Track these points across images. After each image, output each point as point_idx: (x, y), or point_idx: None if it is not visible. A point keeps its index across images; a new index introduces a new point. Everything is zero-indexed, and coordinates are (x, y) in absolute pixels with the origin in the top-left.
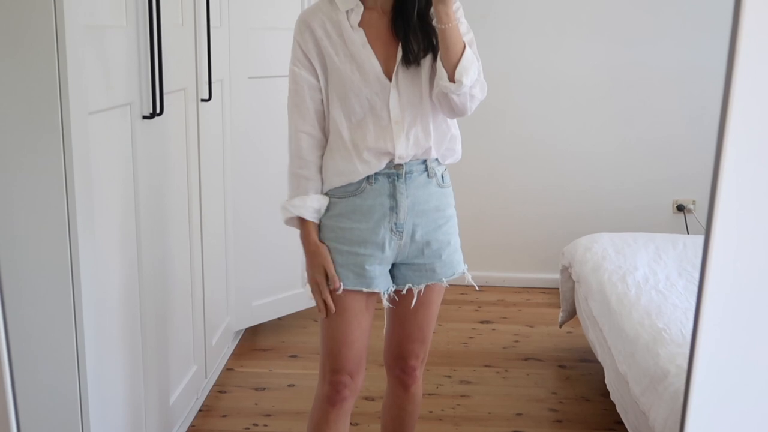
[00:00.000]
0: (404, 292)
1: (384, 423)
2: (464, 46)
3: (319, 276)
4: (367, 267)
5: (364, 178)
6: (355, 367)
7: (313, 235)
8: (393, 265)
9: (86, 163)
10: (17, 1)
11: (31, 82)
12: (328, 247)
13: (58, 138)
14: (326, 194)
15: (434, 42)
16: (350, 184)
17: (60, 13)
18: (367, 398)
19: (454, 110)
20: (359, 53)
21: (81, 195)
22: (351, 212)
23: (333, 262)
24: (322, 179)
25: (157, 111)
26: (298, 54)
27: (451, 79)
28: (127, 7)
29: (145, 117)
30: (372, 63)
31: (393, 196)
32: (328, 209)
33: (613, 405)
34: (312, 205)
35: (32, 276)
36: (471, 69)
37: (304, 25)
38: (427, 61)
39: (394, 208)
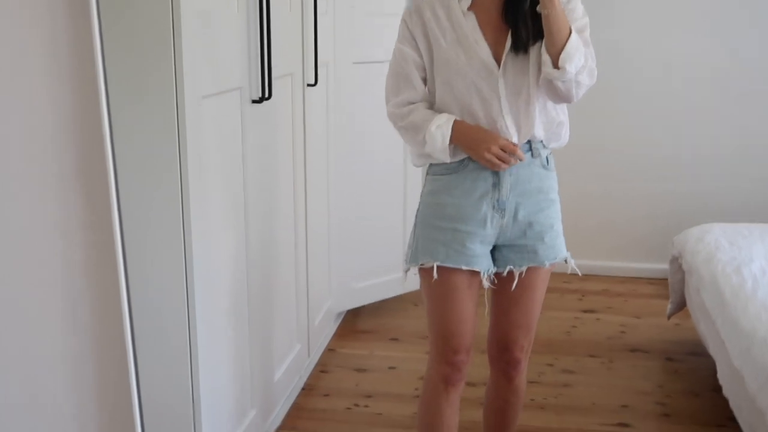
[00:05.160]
0: (505, 274)
1: (486, 415)
2: (569, 32)
3: (495, 144)
4: (468, 245)
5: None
6: (470, 344)
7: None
8: (494, 247)
9: (199, 146)
10: None
11: (147, 67)
12: (427, 224)
13: (173, 121)
14: (427, 172)
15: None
16: (453, 161)
17: (176, 0)
18: (467, 383)
19: (560, 96)
20: (467, 38)
21: (194, 176)
22: (453, 188)
23: (433, 239)
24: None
25: (266, 95)
26: (405, 33)
27: (555, 65)
28: None
29: (254, 101)
30: (481, 47)
31: (496, 172)
32: (427, 185)
33: (724, 401)
34: (447, 115)
35: (149, 255)
36: (576, 55)
37: (414, 6)
38: (536, 48)
39: (496, 185)
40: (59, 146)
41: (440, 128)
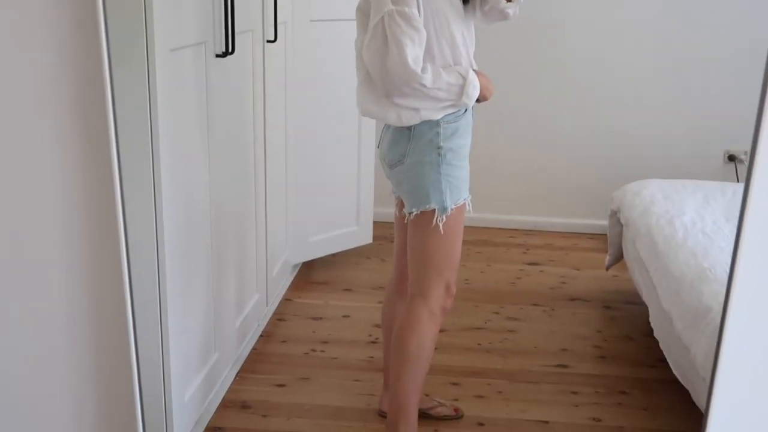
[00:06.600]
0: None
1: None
2: None
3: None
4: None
5: None
6: None
7: None
8: None
9: (168, 96)
10: None
11: (120, 19)
12: (453, 166)
13: (143, 72)
14: (439, 121)
15: None
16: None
17: None
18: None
19: (507, 18)
20: None
21: (164, 126)
22: (464, 129)
23: (459, 178)
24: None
25: (229, 50)
26: None
27: None
28: None
29: (217, 55)
30: None
31: (474, 107)
32: (441, 132)
33: (655, 344)
34: (463, 67)
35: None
36: None
37: None
38: None
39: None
40: (59, 88)
41: (476, 79)
